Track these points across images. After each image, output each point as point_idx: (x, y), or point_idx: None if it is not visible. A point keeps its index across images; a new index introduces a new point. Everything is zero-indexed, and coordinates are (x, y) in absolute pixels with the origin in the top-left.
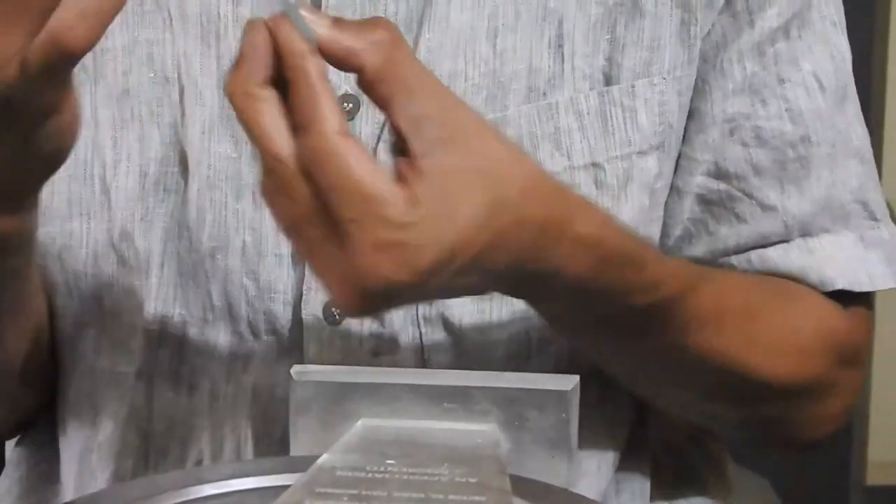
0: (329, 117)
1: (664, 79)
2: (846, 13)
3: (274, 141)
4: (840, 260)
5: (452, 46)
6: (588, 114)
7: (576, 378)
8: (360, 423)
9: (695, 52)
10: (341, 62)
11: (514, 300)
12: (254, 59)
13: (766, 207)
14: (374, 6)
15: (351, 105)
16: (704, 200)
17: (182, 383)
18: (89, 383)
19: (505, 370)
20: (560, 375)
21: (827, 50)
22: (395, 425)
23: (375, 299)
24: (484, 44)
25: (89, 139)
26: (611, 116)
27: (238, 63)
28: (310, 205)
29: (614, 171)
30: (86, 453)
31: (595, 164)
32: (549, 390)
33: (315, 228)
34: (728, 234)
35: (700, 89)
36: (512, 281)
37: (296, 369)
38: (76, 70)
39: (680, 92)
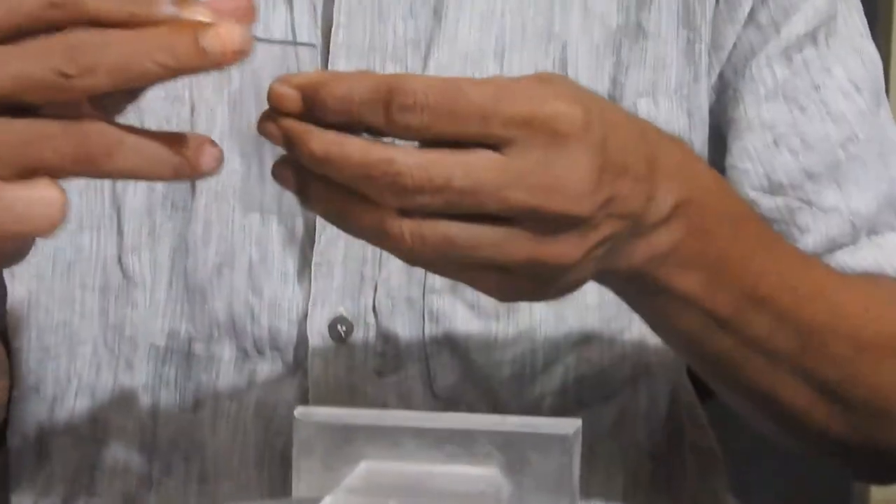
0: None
1: (670, 98)
2: None
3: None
4: None
5: (461, 66)
6: None
7: (578, 422)
8: (362, 465)
9: (700, 69)
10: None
11: (520, 320)
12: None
13: (828, 210)
14: (383, 27)
15: None
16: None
17: (187, 399)
18: (89, 402)
19: (510, 391)
20: (562, 419)
21: (858, 56)
22: (398, 468)
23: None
24: (492, 63)
25: None
26: None
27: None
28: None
29: None
30: (85, 470)
31: None
32: (551, 434)
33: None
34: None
35: (732, 98)
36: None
37: (299, 411)
38: None
39: (690, 111)
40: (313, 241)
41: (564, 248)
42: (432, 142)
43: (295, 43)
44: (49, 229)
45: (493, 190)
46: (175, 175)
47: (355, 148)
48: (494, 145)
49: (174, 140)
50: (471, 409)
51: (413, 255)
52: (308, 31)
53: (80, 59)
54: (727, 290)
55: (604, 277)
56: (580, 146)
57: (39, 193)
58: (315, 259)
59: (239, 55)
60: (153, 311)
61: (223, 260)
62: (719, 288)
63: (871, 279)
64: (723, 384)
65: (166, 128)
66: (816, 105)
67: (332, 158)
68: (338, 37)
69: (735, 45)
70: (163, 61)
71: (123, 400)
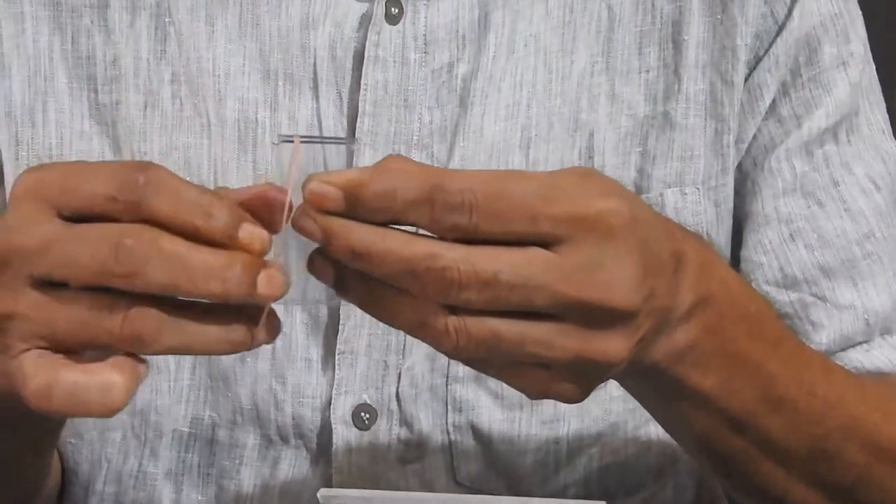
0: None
1: (697, 188)
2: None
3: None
4: None
5: (486, 156)
6: None
7: None
8: None
9: (728, 161)
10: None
11: (544, 410)
12: None
13: (842, 308)
14: (409, 115)
15: None
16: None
17: (210, 485)
18: (115, 488)
19: (533, 480)
20: (587, 501)
21: (878, 155)
22: None
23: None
24: (517, 154)
25: None
26: None
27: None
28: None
29: None
30: None
31: None
32: None
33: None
34: (808, 344)
35: (750, 191)
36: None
37: (322, 493)
38: None
39: (717, 203)
40: (337, 329)
41: (612, 345)
42: (479, 240)
43: (323, 140)
44: (105, 414)
45: (543, 284)
46: (233, 350)
47: (398, 243)
48: (543, 243)
49: (231, 314)
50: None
51: (457, 351)
52: (334, 119)
53: (126, 261)
54: (743, 391)
55: (621, 374)
56: (628, 242)
57: (99, 379)
58: (339, 347)
59: (279, 297)
60: (177, 397)
61: None
62: (735, 388)
63: (888, 382)
64: (733, 485)
65: None
66: (835, 201)
67: (374, 254)
68: (363, 125)
69: (755, 137)
70: (212, 290)
71: (147, 486)
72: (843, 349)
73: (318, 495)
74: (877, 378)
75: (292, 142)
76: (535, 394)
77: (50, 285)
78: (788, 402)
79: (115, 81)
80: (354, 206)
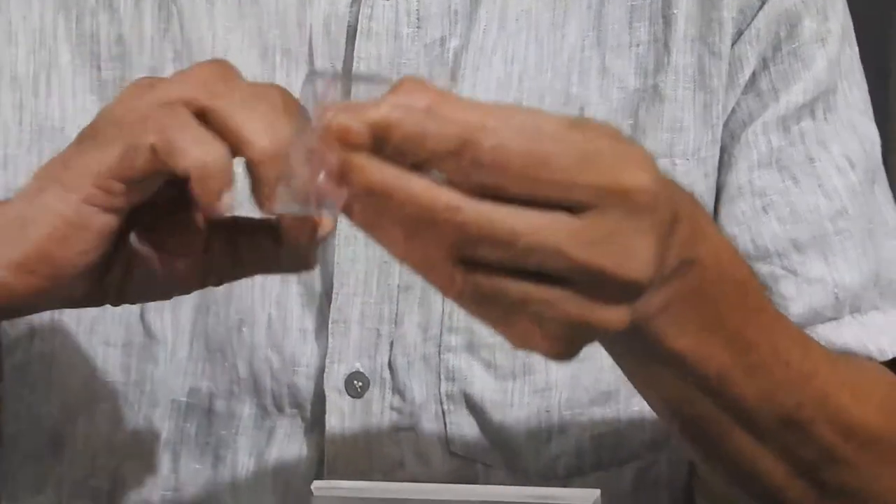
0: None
1: (687, 159)
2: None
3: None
4: (893, 333)
5: None
6: None
7: (596, 492)
8: None
9: (717, 132)
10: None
11: (536, 380)
12: None
13: (812, 281)
14: None
15: None
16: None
17: (207, 454)
18: (107, 459)
19: (527, 450)
20: (581, 490)
21: (855, 135)
22: None
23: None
24: None
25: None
26: None
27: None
28: None
29: None
30: None
31: None
32: None
33: None
34: None
35: (726, 163)
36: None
37: (316, 485)
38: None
39: (706, 173)
40: (331, 299)
41: (614, 315)
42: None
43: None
44: None
45: (561, 250)
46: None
47: (420, 188)
48: (568, 207)
49: None
50: (487, 467)
51: (458, 298)
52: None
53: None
54: (718, 356)
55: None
56: (653, 219)
57: None
58: (332, 316)
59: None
60: (174, 368)
61: (243, 318)
62: (710, 352)
63: (859, 364)
64: (702, 453)
65: None
66: (809, 177)
67: (394, 195)
68: (358, 97)
69: (734, 110)
70: None
71: (143, 456)
72: (813, 323)
73: (312, 487)
74: (853, 357)
75: (323, 77)
76: (520, 345)
77: None
78: (763, 369)
79: (119, 59)
80: (379, 147)
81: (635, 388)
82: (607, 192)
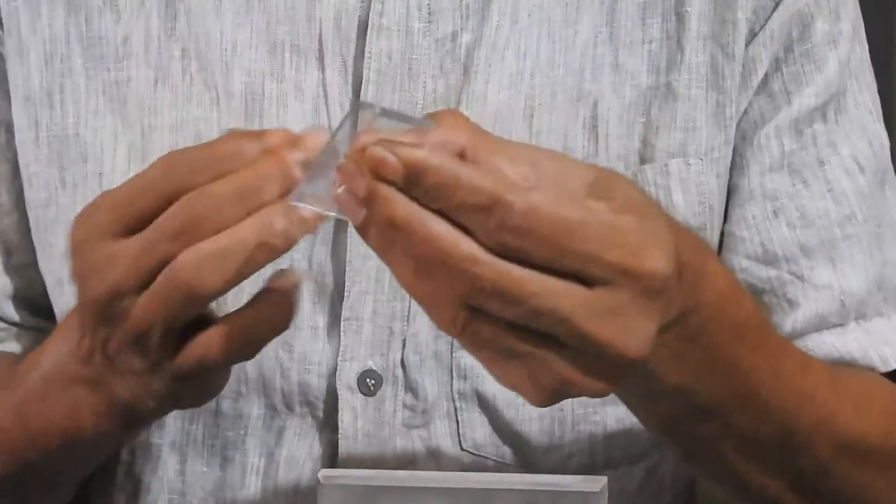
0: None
1: (700, 159)
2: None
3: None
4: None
5: (489, 125)
6: None
7: (603, 479)
8: None
9: (730, 132)
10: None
11: None
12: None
13: (819, 287)
14: (413, 83)
15: None
16: (755, 291)
17: (214, 456)
18: (128, 457)
19: (538, 448)
20: (588, 477)
21: (864, 136)
22: None
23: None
24: (521, 123)
25: None
26: None
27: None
28: None
29: None
30: None
31: None
32: (577, 492)
33: None
34: (782, 322)
35: (738, 165)
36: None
37: (323, 473)
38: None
39: (718, 173)
40: (343, 297)
41: (599, 385)
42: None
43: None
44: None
45: (570, 319)
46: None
47: (442, 232)
48: (583, 279)
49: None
50: (500, 464)
51: (457, 338)
52: (339, 89)
53: (189, 230)
54: (714, 386)
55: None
56: (660, 303)
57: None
58: (344, 314)
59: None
60: None
61: None
62: (706, 383)
63: (861, 375)
64: (702, 473)
65: None
66: (819, 181)
67: (414, 233)
68: (367, 94)
69: (746, 111)
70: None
71: (152, 457)
72: (818, 330)
73: (319, 476)
74: (854, 372)
75: (369, 106)
76: (506, 385)
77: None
78: (760, 397)
79: (125, 59)
80: (415, 185)
81: (633, 415)
82: (625, 272)
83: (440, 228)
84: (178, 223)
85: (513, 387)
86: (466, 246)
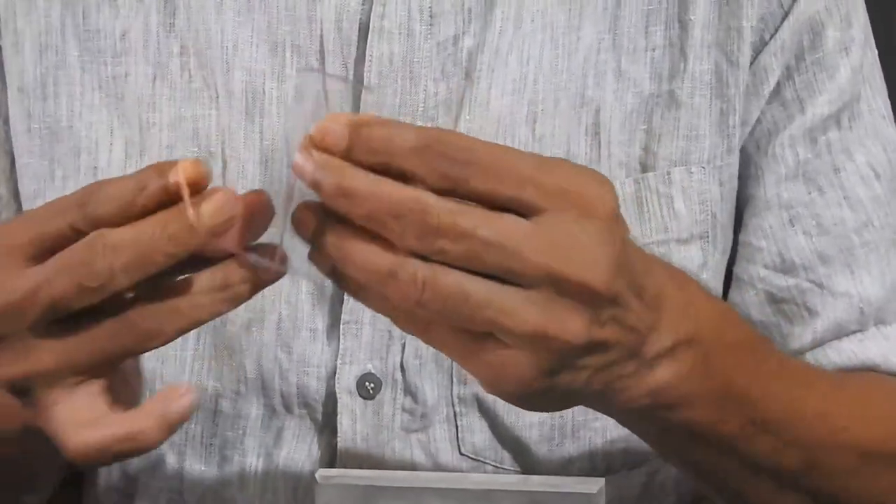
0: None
1: (703, 168)
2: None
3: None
4: None
5: (492, 130)
6: (624, 200)
7: (601, 481)
8: None
9: (734, 141)
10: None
11: None
12: None
13: (838, 295)
14: (414, 87)
15: None
16: (774, 300)
17: (213, 455)
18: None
19: (538, 454)
20: (586, 479)
21: (879, 142)
22: None
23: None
24: (523, 128)
25: None
26: (646, 203)
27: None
28: None
29: None
30: None
31: None
32: (575, 493)
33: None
34: (802, 331)
35: (753, 175)
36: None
37: (321, 473)
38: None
39: (721, 181)
40: (342, 299)
41: (573, 323)
42: (466, 197)
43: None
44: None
45: (517, 247)
46: (238, 300)
47: (387, 184)
48: (525, 214)
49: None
50: (498, 469)
51: (420, 305)
52: (340, 91)
53: (95, 272)
54: (729, 419)
55: (611, 412)
56: (606, 227)
57: (128, 430)
58: (344, 317)
59: (231, 220)
60: (180, 367)
61: (253, 316)
62: (721, 417)
63: (873, 382)
64: (723, 499)
65: None
66: (835, 189)
67: (362, 192)
68: (367, 97)
69: (759, 120)
70: (170, 251)
71: (150, 456)
72: (838, 337)
73: (317, 475)
74: (860, 377)
75: (314, 72)
76: (488, 376)
77: (52, 325)
78: (774, 422)
79: (124, 54)
80: (355, 143)
81: (651, 448)
82: (562, 195)
83: (385, 181)
84: (70, 267)
85: (493, 374)
86: (410, 190)
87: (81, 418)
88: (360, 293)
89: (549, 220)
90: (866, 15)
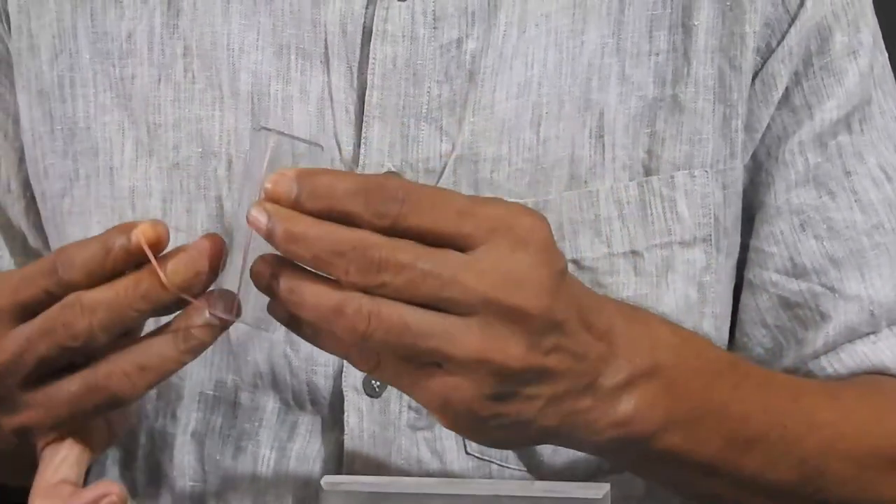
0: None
1: (706, 171)
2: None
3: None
4: None
5: (497, 132)
6: (628, 203)
7: (606, 486)
8: None
9: (737, 145)
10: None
11: None
12: None
13: (849, 298)
14: (418, 89)
15: None
16: (788, 304)
17: (228, 446)
18: (148, 442)
19: (544, 452)
20: (591, 483)
21: (891, 144)
22: None
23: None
24: (528, 131)
25: (143, 210)
26: (649, 206)
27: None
28: None
29: (653, 260)
30: None
31: (634, 252)
32: (580, 499)
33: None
34: (816, 335)
35: (764, 182)
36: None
37: (326, 480)
38: None
39: (725, 185)
40: None
41: (511, 349)
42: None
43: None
44: None
45: (454, 276)
46: (200, 348)
47: (332, 227)
48: (462, 248)
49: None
50: (504, 466)
51: (367, 337)
52: (345, 93)
53: (71, 332)
54: (709, 440)
55: (582, 448)
56: (540, 255)
57: None
58: None
59: (199, 275)
60: (200, 361)
61: (262, 314)
62: (701, 439)
63: (872, 385)
64: None
65: (203, 184)
66: (846, 192)
67: (309, 235)
68: (372, 99)
69: (769, 126)
70: (140, 308)
71: (168, 447)
72: (851, 340)
73: (323, 482)
74: (860, 384)
75: (269, 130)
76: (436, 403)
77: (38, 382)
78: (757, 439)
79: (130, 56)
80: (302, 193)
81: (641, 478)
82: (495, 227)
83: (330, 225)
84: (51, 329)
85: (438, 401)
86: (355, 231)
87: (47, 478)
88: (317, 338)
89: (485, 250)
90: (874, 17)
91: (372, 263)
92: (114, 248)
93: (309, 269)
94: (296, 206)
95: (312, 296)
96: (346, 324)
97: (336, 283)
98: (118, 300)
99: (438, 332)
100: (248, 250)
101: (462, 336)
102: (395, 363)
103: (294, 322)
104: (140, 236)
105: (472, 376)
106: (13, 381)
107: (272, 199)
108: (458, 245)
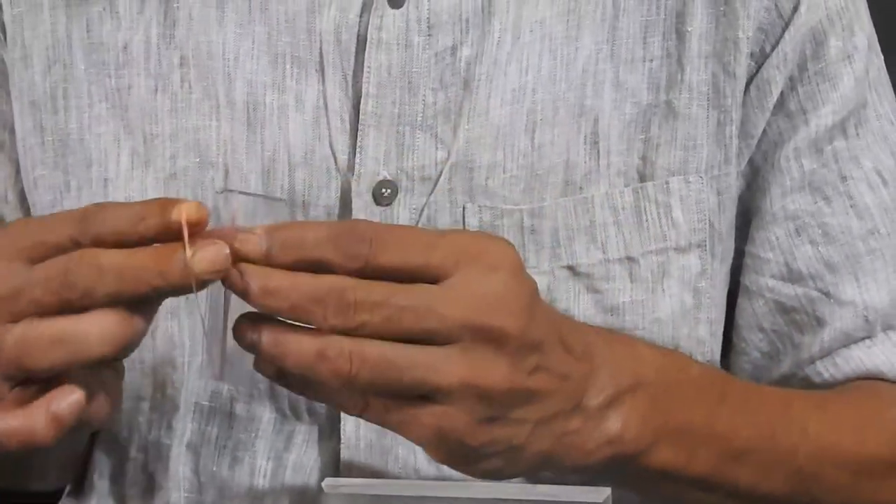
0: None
1: (700, 177)
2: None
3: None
4: None
5: (492, 138)
6: (623, 209)
7: (607, 490)
8: None
9: (731, 151)
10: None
11: None
12: None
13: (844, 303)
14: (413, 97)
15: (389, 191)
16: (784, 309)
17: (225, 457)
18: (143, 456)
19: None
20: (592, 488)
21: (887, 147)
22: None
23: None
24: (522, 137)
25: None
26: (645, 212)
27: None
28: None
29: (648, 266)
30: None
31: (630, 258)
32: (582, 502)
33: None
34: (812, 340)
35: (760, 187)
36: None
37: (327, 482)
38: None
39: (719, 191)
40: None
41: (495, 372)
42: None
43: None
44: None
45: (430, 306)
46: (170, 279)
47: (305, 276)
48: (434, 280)
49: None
50: None
51: (353, 379)
52: (340, 102)
53: (74, 285)
54: (700, 455)
55: (577, 471)
56: (513, 277)
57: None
58: None
59: (219, 274)
60: (195, 372)
61: None
62: (691, 454)
63: (869, 392)
64: None
65: (200, 194)
66: (841, 197)
67: (284, 287)
68: (367, 107)
69: (765, 132)
70: (155, 284)
71: (163, 458)
72: (846, 345)
73: (323, 485)
74: (853, 391)
75: (231, 192)
76: (428, 436)
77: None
78: (749, 451)
79: (126, 66)
80: (272, 247)
81: (640, 496)
82: (465, 255)
83: (304, 275)
84: (53, 275)
85: (430, 433)
86: (328, 277)
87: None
88: (306, 389)
89: (456, 278)
90: (869, 20)
91: (349, 306)
92: (150, 217)
93: (289, 321)
94: (268, 261)
95: (295, 344)
96: (330, 367)
97: (318, 331)
98: (133, 267)
99: (421, 364)
100: (228, 311)
101: (444, 365)
102: (384, 402)
103: (282, 376)
104: (183, 213)
105: (459, 404)
106: (5, 316)
107: (242, 258)
108: (431, 277)
